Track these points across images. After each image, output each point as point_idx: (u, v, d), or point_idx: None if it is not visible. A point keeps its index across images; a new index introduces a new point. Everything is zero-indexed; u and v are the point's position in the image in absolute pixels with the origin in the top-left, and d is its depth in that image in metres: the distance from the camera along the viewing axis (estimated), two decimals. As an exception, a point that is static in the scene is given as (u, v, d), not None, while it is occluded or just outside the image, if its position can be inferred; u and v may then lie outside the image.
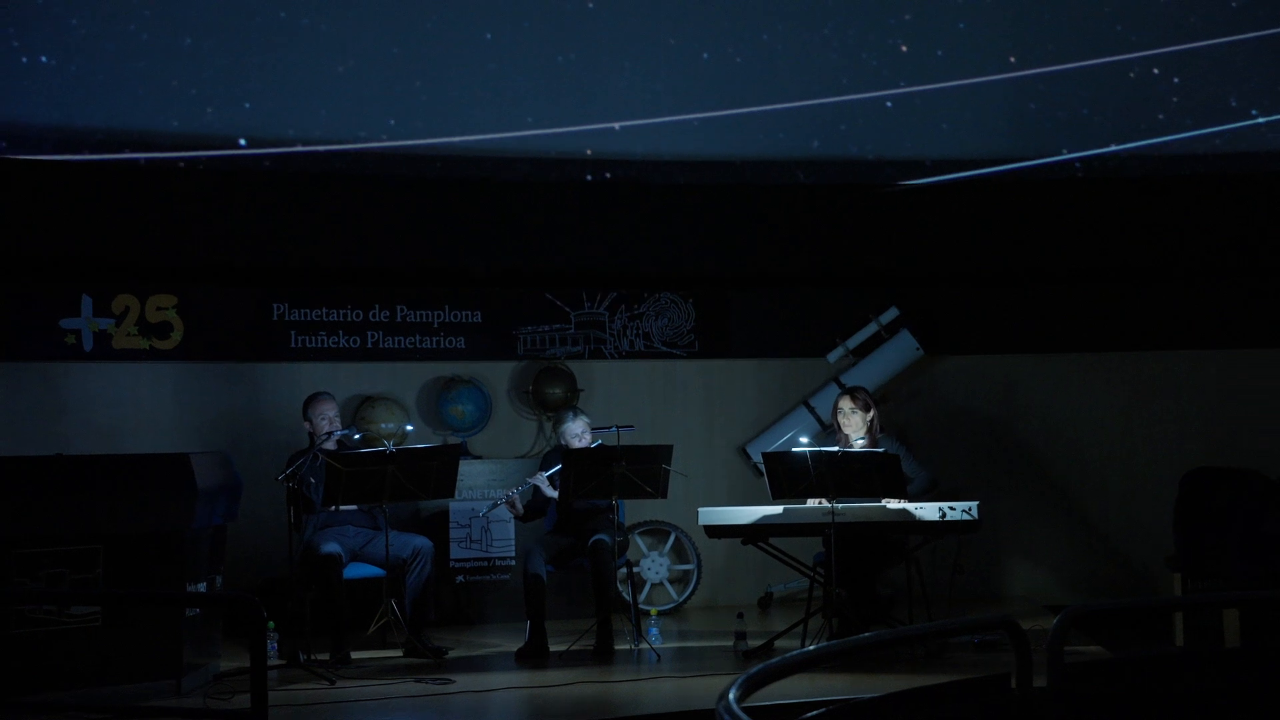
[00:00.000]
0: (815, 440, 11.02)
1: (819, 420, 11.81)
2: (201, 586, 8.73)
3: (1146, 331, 12.30)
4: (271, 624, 9.23)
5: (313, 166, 11.39)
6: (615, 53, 11.76)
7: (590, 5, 11.58)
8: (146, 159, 11.03)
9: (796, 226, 12.28)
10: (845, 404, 9.98)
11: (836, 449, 9.54)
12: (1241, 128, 11.88)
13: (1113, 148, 11.94)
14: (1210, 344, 12.22)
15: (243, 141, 11.16)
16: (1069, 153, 11.92)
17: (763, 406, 12.24)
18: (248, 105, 11.25)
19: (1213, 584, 9.96)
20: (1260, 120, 11.84)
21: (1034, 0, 11.88)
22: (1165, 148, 11.94)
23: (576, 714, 7.80)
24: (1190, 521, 10.60)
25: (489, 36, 11.48)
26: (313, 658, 9.13)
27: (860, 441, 9.85)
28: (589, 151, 11.77)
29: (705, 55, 11.80)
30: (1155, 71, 11.81)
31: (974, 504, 9.23)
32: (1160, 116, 11.89)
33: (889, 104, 11.84)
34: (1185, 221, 12.14)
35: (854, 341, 12.07)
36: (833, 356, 12.07)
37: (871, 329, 12.08)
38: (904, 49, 11.82)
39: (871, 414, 9.96)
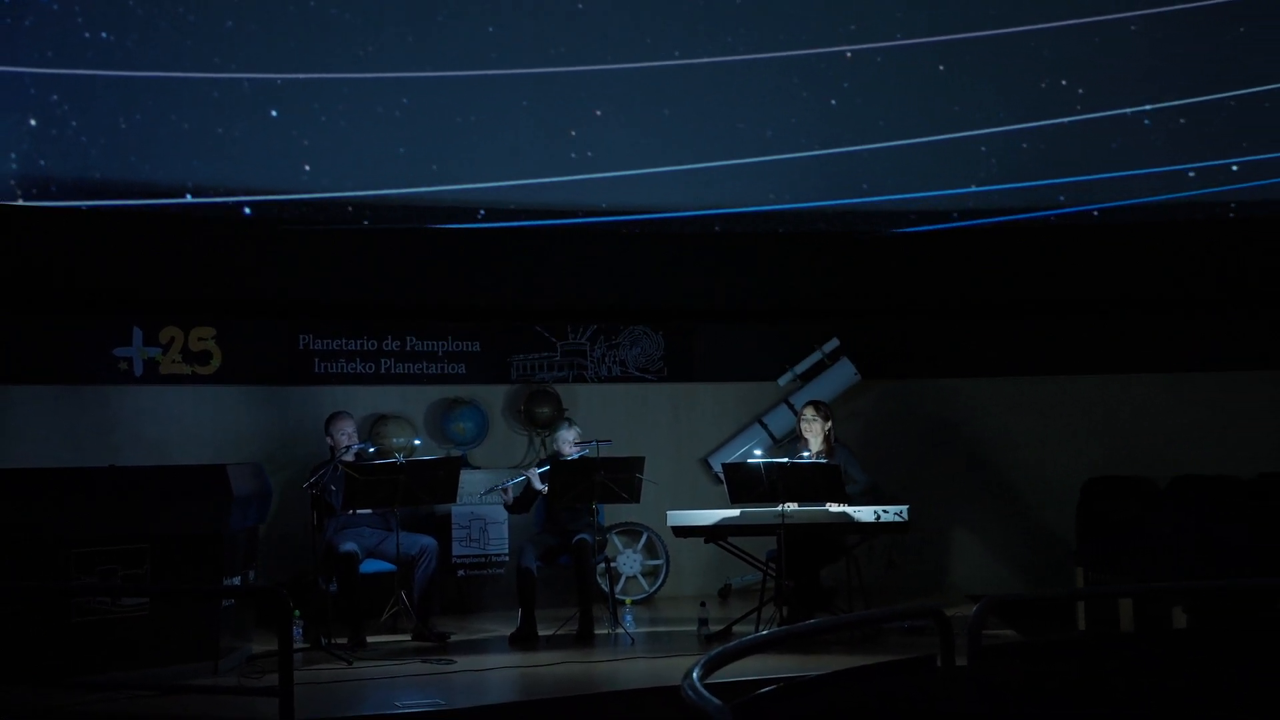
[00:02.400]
0: (768, 452, 11.07)
1: (771, 435, 11.82)
2: (236, 580, 8.71)
3: (1054, 359, 12.32)
4: (297, 612, 9.18)
5: (333, 217, 11.39)
6: (595, 120, 11.77)
7: (582, 92, 11.57)
8: (182, 204, 11.01)
9: (752, 269, 12.33)
10: (809, 413, 10.01)
11: (786, 460, 9.55)
12: (1127, 178, 11.92)
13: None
14: (1107, 369, 12.24)
15: (282, 203, 11.15)
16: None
17: (722, 424, 12.23)
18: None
19: (1110, 577, 9.97)
20: (1135, 173, 11.89)
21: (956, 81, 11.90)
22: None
23: (562, 690, 7.77)
24: (1090, 523, 10.64)
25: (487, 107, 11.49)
26: (333, 642, 9.08)
27: (819, 447, 9.86)
28: (571, 202, 11.79)
29: (665, 111, 11.81)
30: (1023, 146, 11.87)
31: (905, 508, 9.24)
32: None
33: (822, 165, 11.86)
34: (1086, 264, 12.20)
35: (801, 368, 12.07)
36: (783, 380, 12.07)
37: (816, 357, 12.09)
38: (833, 103, 11.83)
39: (829, 424, 9.98)
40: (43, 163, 10.65)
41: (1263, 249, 12.04)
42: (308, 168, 11.26)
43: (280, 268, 11.66)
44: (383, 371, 11.82)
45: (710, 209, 12.04)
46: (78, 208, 10.74)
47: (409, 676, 8.27)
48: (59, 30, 10.54)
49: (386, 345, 11.85)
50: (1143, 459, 11.45)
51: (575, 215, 11.85)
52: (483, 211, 11.58)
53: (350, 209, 11.42)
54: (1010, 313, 12.44)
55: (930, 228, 12.18)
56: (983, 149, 11.91)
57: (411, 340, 11.92)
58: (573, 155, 11.73)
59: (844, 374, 12.00)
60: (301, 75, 11.05)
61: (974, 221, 12.10)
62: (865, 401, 12.31)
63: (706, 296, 12.54)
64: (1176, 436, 11.94)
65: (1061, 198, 11.96)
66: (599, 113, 11.66)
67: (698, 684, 4.28)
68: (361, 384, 11.72)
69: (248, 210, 11.11)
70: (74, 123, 10.69)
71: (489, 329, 12.10)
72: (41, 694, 7.35)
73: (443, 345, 12.00)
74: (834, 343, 12.09)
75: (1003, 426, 12.33)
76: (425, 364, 11.95)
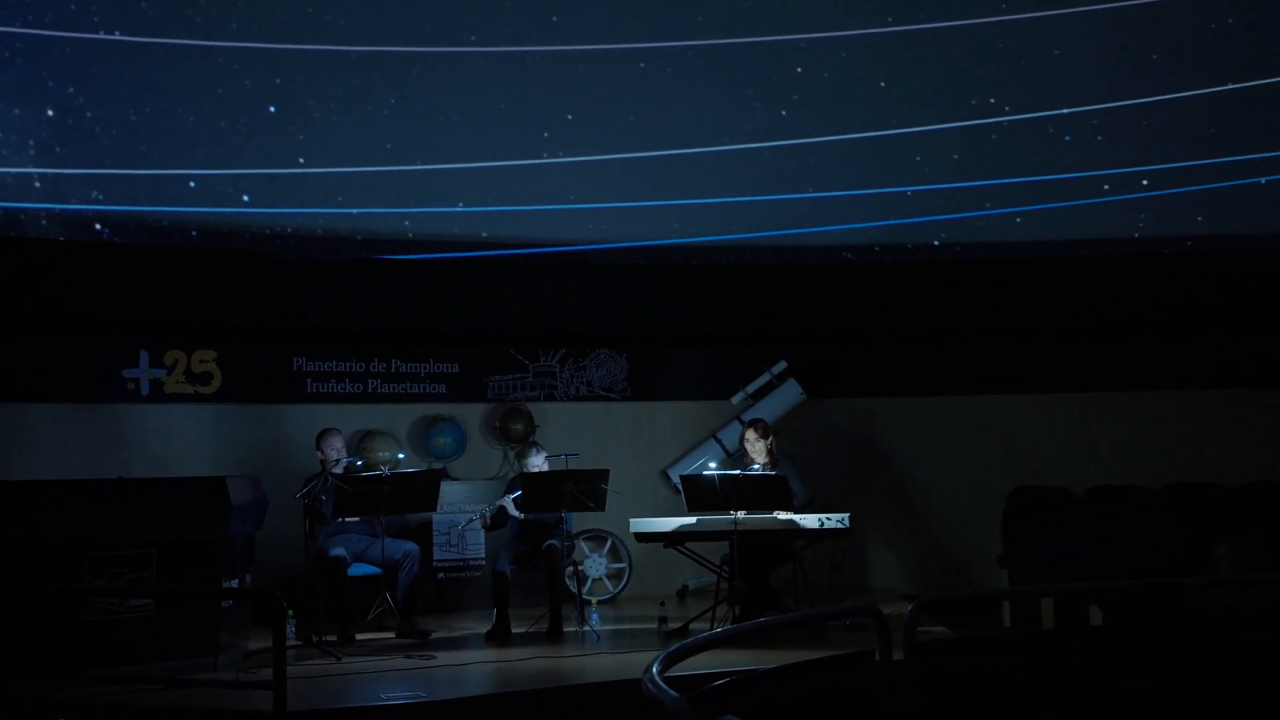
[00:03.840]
0: (722, 465, 11.09)
1: (725, 450, 11.84)
2: (234, 582, 8.66)
3: (979, 380, 12.38)
4: (290, 612, 9.12)
5: (324, 250, 11.36)
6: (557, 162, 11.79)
7: (545, 135, 11.57)
8: (185, 241, 10.97)
9: (707, 298, 12.35)
10: (751, 434, 10.03)
11: (738, 472, 9.57)
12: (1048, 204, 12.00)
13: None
14: (1027, 389, 12.32)
15: (277, 237, 11.10)
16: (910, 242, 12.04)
17: (680, 439, 12.24)
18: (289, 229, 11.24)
19: (1032, 578, 10.01)
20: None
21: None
22: (986, 234, 12.05)
23: (534, 683, 7.75)
24: (1015, 529, 10.66)
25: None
26: (323, 639, 9.04)
27: (763, 462, 9.88)
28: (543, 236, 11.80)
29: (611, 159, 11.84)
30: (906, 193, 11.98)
31: (846, 515, 9.26)
32: (987, 204, 11.99)
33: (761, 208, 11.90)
34: (1002, 295, 12.27)
35: (752, 388, 12.10)
36: (735, 399, 12.10)
37: (765, 378, 12.12)
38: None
39: (770, 440, 10.00)
40: (59, 150, 10.57)
41: (1165, 282, 12.14)
42: (301, 160, 11.18)
43: (275, 296, 11.63)
44: (370, 391, 11.80)
45: (669, 239, 12.04)
46: (87, 242, 10.65)
47: (393, 671, 8.24)
48: (76, 28, 10.51)
49: (373, 367, 11.83)
50: (1062, 471, 11.52)
51: (548, 245, 11.85)
52: (488, 251, 11.58)
53: (342, 240, 11.38)
54: (941, 339, 12.51)
55: (869, 261, 12.23)
56: (908, 193, 11.97)
57: (396, 362, 11.91)
58: (544, 189, 11.74)
59: (791, 393, 12.05)
60: (300, 79, 11.02)
61: (907, 259, 12.15)
62: (810, 418, 12.35)
63: (666, 322, 12.56)
64: (1092, 451, 12.02)
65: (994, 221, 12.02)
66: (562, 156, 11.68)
67: (657, 677, 4.29)
68: (350, 402, 11.70)
69: (246, 198, 11.02)
70: (89, 114, 10.61)
71: (467, 352, 12.10)
72: (55, 686, 7.30)
73: (425, 367, 11.99)
74: (782, 365, 12.13)
75: (935, 441, 12.39)
76: (409, 384, 11.93)
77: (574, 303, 12.32)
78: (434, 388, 12.00)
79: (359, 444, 11.30)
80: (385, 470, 9.50)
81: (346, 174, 11.29)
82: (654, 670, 4.39)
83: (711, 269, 12.07)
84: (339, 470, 9.50)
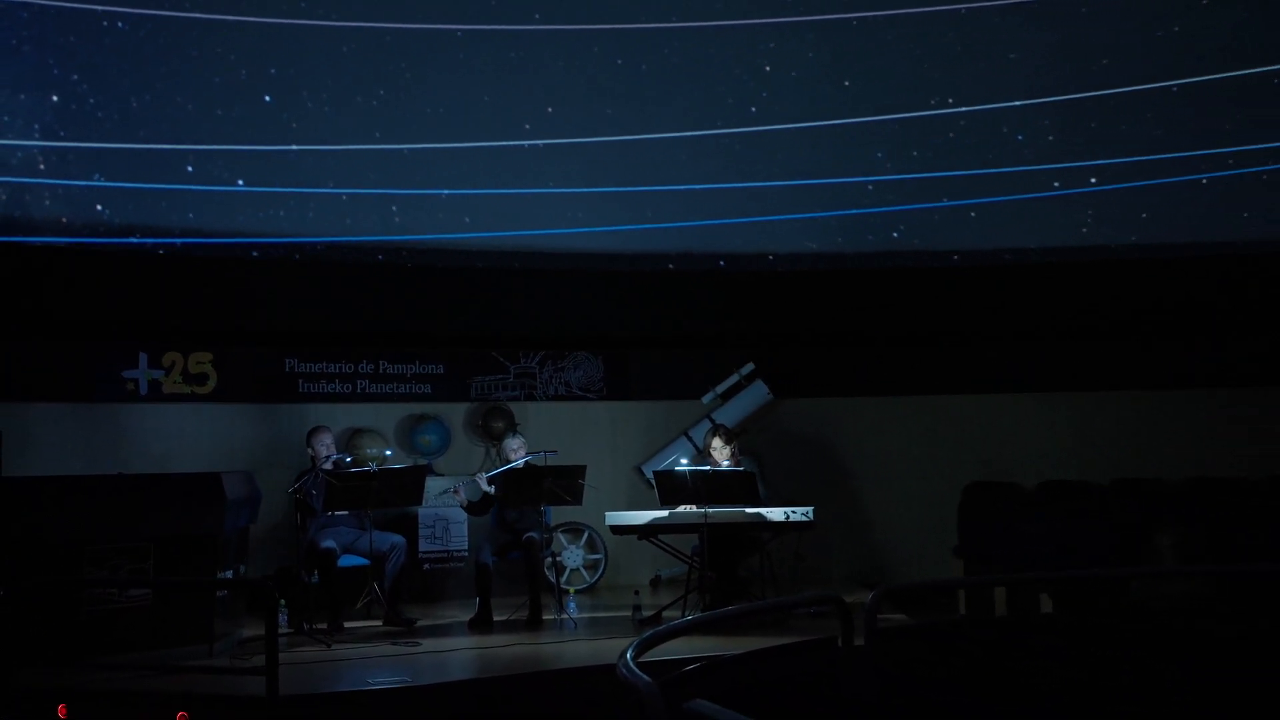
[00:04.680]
0: (693, 461, 11.09)
1: (695, 446, 11.84)
2: (229, 573, 8.63)
3: (935, 380, 12.44)
4: (282, 601, 9.11)
5: (314, 256, 11.32)
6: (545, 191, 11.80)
7: (527, 146, 11.56)
8: (184, 244, 10.92)
9: (678, 302, 12.35)
10: (715, 441, 10.07)
11: (708, 468, 9.59)
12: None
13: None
14: (980, 390, 12.37)
15: (271, 245, 11.06)
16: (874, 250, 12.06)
17: (653, 436, 12.24)
18: (281, 213, 11.18)
19: (986, 568, 10.05)
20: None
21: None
22: (940, 228, 12.09)
23: (514, 668, 7.74)
24: (969, 522, 10.72)
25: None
26: (314, 627, 9.02)
27: (726, 463, 9.90)
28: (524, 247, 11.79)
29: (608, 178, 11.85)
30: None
31: (810, 508, 9.28)
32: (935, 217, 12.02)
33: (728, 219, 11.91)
34: (956, 301, 12.32)
35: (721, 388, 12.11)
36: (706, 399, 12.11)
37: (734, 379, 12.13)
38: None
39: (733, 443, 10.04)
40: (62, 133, 10.52)
41: (1111, 289, 12.21)
42: (294, 146, 11.13)
43: (269, 300, 11.59)
44: (358, 391, 11.77)
45: (639, 251, 12.05)
46: (90, 245, 10.60)
47: (381, 657, 8.21)
48: (81, 18, 10.46)
49: (362, 368, 11.80)
50: (1014, 467, 11.58)
51: (524, 259, 11.84)
52: (473, 259, 11.54)
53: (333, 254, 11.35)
54: (900, 343, 12.56)
55: (833, 269, 12.26)
56: (869, 186, 11.98)
57: (384, 364, 11.88)
58: (528, 208, 11.75)
59: (758, 393, 12.06)
60: (291, 70, 10.98)
61: (874, 265, 12.18)
62: (777, 417, 12.36)
63: (640, 326, 12.56)
64: (1042, 448, 12.08)
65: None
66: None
67: (631, 663, 4.29)
68: (339, 402, 11.67)
69: (240, 183, 10.96)
70: (91, 100, 10.56)
71: (451, 354, 12.08)
72: (58, 674, 7.26)
73: (411, 368, 11.96)
74: (749, 366, 12.15)
75: (895, 438, 12.42)
76: (395, 384, 11.91)
77: (552, 308, 12.31)
78: (420, 388, 11.97)
79: (348, 441, 11.26)
80: (373, 466, 9.48)
81: (334, 154, 11.24)
82: (628, 656, 4.39)
83: (678, 275, 12.07)
84: (329, 466, 9.47)
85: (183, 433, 11.11)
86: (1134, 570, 8.58)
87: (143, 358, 11.11)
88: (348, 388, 11.74)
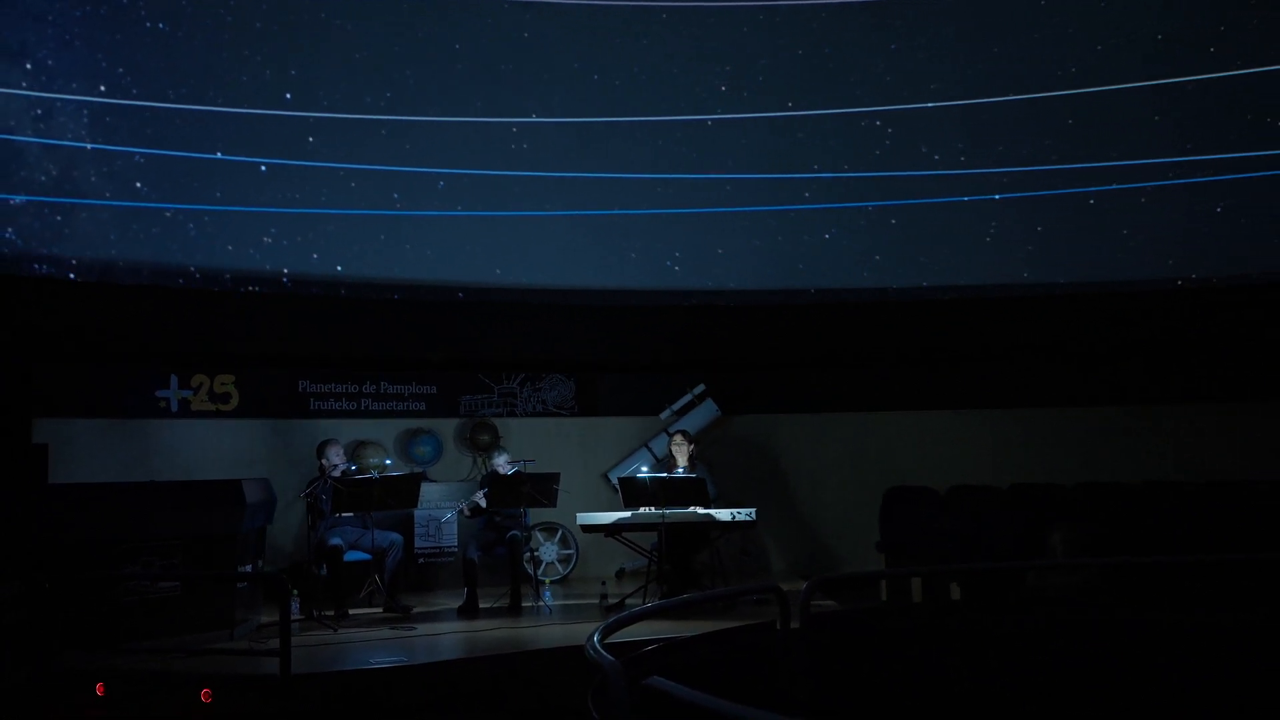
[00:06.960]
0: (652, 469, 11.09)
1: (654, 456, 11.86)
2: (248, 568, 8.61)
3: (862, 399, 12.48)
4: (294, 592, 9.08)
5: (324, 291, 11.27)
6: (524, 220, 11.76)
7: (509, 180, 11.53)
8: (215, 285, 10.86)
9: (639, 331, 12.36)
10: (679, 439, 10.16)
11: (665, 475, 9.61)
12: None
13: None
14: (900, 407, 12.43)
15: (286, 281, 10.99)
16: (812, 284, 12.06)
17: (618, 447, 12.25)
18: (285, 242, 11.11)
19: (904, 561, 10.09)
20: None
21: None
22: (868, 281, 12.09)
23: (497, 649, 7.73)
24: (890, 521, 10.76)
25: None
26: (322, 614, 8.99)
27: (684, 464, 9.94)
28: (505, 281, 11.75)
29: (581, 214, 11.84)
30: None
31: (753, 510, 9.31)
32: (877, 257, 12.00)
33: (678, 253, 11.86)
34: (880, 329, 12.36)
35: (677, 405, 12.13)
36: (663, 415, 12.13)
37: (688, 398, 12.16)
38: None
39: (693, 447, 10.11)
40: (108, 119, 10.45)
41: (1007, 321, 12.29)
42: (311, 139, 11.06)
43: (285, 330, 11.55)
44: (362, 408, 11.73)
45: (606, 287, 12.04)
46: (126, 285, 10.53)
47: (381, 640, 8.19)
48: (126, 19, 10.41)
49: (365, 388, 11.77)
50: (927, 474, 11.63)
51: (505, 294, 11.82)
52: (461, 294, 11.48)
53: (341, 290, 11.30)
54: (831, 365, 12.60)
55: (774, 304, 12.25)
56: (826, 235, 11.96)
57: (384, 384, 11.85)
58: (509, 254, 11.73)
59: (709, 410, 12.10)
60: (312, 73, 10.93)
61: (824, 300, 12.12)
62: (725, 431, 12.40)
63: (607, 352, 12.58)
64: (953, 457, 12.13)
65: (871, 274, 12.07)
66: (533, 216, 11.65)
67: (597, 644, 4.30)
68: (345, 418, 11.63)
69: (264, 167, 10.86)
70: (134, 90, 10.49)
71: (443, 376, 12.07)
72: (97, 656, 7.21)
73: (408, 388, 11.94)
74: (701, 387, 12.18)
75: (827, 449, 12.47)
76: (394, 402, 11.88)
77: (531, 336, 12.31)
78: (415, 405, 11.95)
79: (353, 452, 11.22)
80: (375, 474, 9.47)
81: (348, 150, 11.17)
82: (595, 639, 4.40)
83: (640, 310, 12.08)
84: (336, 474, 9.44)
85: (207, 445, 11.05)
86: (1030, 563, 8.63)
87: (174, 379, 11.05)
88: (353, 405, 11.70)
